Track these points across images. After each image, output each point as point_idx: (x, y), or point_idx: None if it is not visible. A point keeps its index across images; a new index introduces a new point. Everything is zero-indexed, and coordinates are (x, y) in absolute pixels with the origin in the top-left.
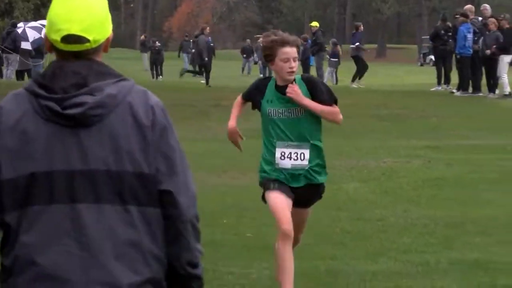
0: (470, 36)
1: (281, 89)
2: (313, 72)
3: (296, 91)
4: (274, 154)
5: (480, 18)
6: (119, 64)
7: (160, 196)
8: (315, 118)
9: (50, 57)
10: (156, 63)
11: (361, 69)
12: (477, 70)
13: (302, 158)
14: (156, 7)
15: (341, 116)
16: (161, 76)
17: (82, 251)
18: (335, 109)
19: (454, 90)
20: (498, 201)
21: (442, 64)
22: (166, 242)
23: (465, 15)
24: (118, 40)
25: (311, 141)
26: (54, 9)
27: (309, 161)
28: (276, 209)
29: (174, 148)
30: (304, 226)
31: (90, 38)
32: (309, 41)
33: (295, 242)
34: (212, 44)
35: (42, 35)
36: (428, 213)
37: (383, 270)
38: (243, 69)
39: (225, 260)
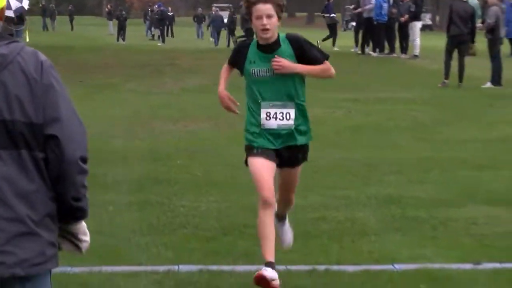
0: (385, 5)
1: (263, 48)
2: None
3: (282, 64)
4: (259, 115)
5: None
6: (89, 30)
7: (46, 141)
8: (299, 77)
9: (28, 24)
10: (122, 29)
11: (334, 35)
12: (392, 34)
13: (288, 117)
14: None
15: (333, 71)
16: (123, 41)
17: None
18: (326, 65)
19: (373, 53)
20: (409, 145)
21: (362, 29)
22: (52, 181)
23: None
24: (88, 8)
25: (296, 101)
26: None
27: (294, 121)
28: (257, 176)
29: (59, 98)
30: (294, 186)
31: None
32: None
33: (288, 203)
34: (171, 14)
35: (23, 4)
36: (350, 156)
37: (311, 203)
38: (198, 34)
39: (178, 195)
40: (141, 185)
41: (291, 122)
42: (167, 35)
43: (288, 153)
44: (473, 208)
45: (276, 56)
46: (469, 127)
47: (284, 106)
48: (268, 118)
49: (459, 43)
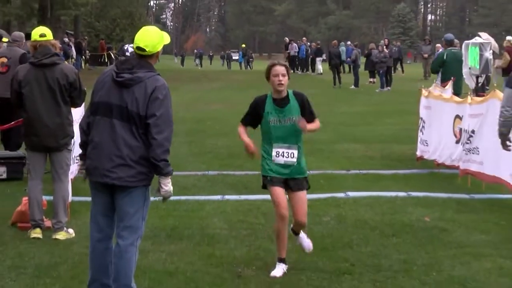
0: (304, 50)
1: (276, 102)
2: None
3: (305, 127)
4: (271, 153)
5: (308, 42)
6: (165, 61)
7: (146, 126)
8: (300, 128)
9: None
10: (183, 60)
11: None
12: (307, 63)
13: (292, 156)
14: (180, 38)
15: (319, 126)
16: (183, 66)
17: (112, 141)
18: (317, 122)
19: (298, 72)
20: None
21: (294, 61)
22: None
23: (302, 40)
24: (164, 51)
25: (298, 143)
26: (136, 35)
27: (297, 159)
28: (275, 198)
29: (159, 106)
30: (305, 210)
31: (147, 49)
32: (241, 52)
33: (302, 225)
34: (211, 54)
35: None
36: None
37: None
38: (222, 64)
39: (207, 138)
40: (189, 133)
41: (294, 159)
42: (210, 64)
43: (294, 181)
44: (346, 144)
45: (299, 119)
46: (344, 106)
47: (289, 148)
48: (277, 155)
49: (336, 67)
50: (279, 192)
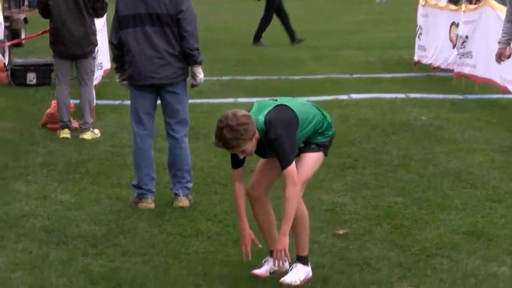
0: None
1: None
2: None
3: (282, 256)
4: None
5: None
6: None
7: (177, 21)
8: None
9: None
10: None
11: None
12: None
13: None
14: None
15: (294, 188)
16: None
17: (150, 46)
18: (289, 189)
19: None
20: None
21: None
22: (180, 40)
23: None
24: None
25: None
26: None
27: None
28: (253, 176)
29: (184, 2)
30: (304, 171)
31: None
32: None
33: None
34: None
35: None
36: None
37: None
38: None
39: (220, 45)
40: (202, 42)
41: None
42: None
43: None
44: (349, 51)
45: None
46: (347, 15)
47: None
48: None
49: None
50: (258, 167)
